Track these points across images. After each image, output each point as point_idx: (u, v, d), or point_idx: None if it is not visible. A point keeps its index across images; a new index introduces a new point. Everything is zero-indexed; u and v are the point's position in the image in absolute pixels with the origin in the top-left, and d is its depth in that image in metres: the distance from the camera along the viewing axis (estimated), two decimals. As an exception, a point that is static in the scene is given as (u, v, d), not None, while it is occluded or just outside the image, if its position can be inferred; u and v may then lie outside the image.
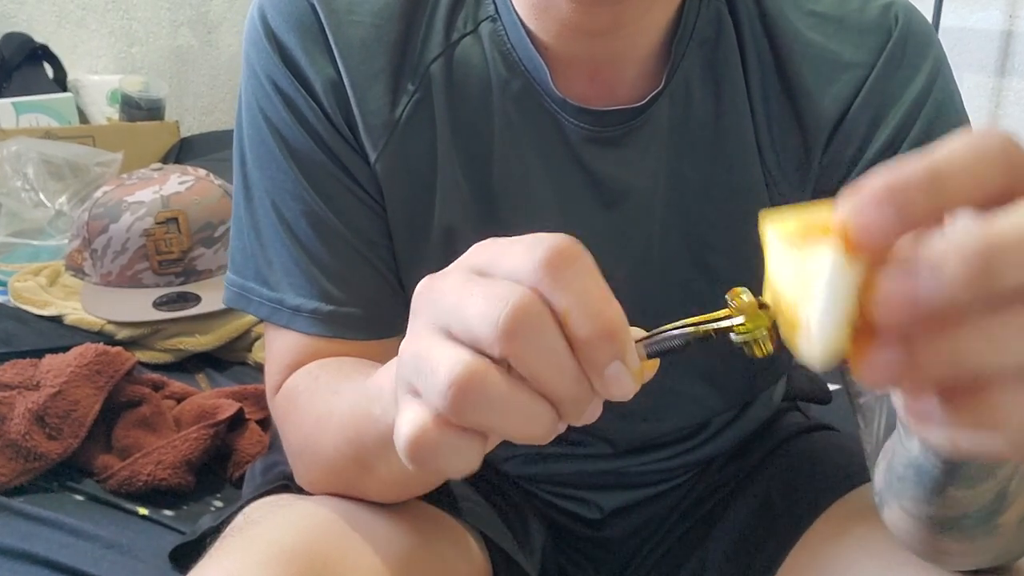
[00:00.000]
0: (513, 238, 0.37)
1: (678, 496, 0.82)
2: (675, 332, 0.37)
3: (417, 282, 0.70)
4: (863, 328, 0.30)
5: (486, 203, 0.68)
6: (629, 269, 0.69)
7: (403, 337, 0.77)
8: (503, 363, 0.35)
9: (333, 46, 0.65)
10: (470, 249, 0.39)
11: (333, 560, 0.58)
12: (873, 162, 0.65)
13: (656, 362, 0.38)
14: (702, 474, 0.82)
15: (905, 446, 0.52)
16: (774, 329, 0.35)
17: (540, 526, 0.79)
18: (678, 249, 0.69)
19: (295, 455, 0.67)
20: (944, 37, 0.70)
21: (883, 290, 0.28)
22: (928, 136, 0.65)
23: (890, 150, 0.65)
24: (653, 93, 0.65)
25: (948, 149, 0.29)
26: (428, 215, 0.68)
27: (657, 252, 0.69)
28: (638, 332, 0.38)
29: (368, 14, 0.65)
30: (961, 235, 0.27)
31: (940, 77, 0.66)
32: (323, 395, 0.63)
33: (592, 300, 0.35)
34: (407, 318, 0.78)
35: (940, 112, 0.66)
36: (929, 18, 1.82)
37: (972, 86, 2.05)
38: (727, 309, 0.36)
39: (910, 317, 0.28)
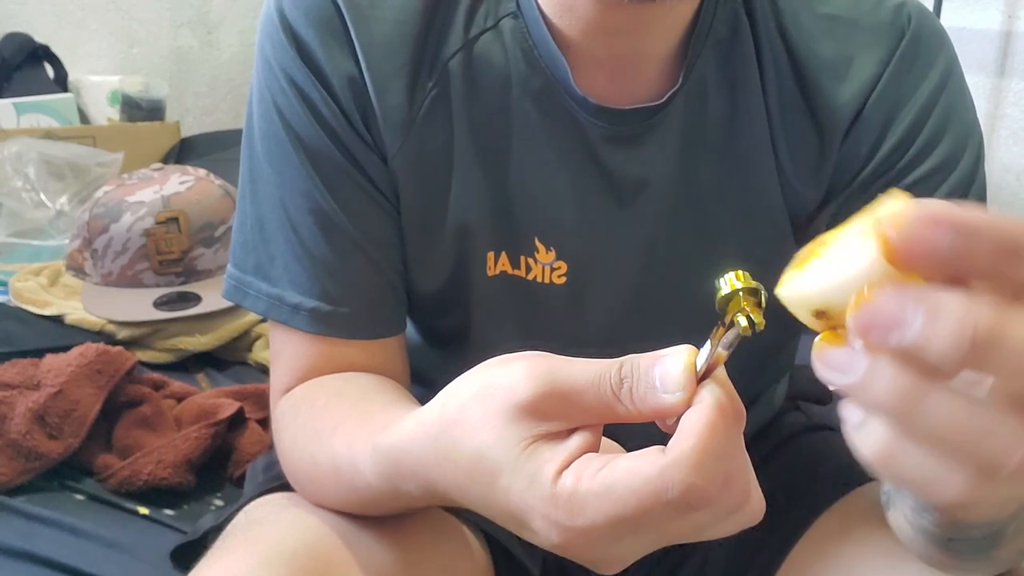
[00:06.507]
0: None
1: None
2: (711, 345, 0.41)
3: (427, 279, 0.70)
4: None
5: (502, 200, 0.68)
6: (642, 265, 0.69)
7: (402, 337, 0.76)
8: None
9: (355, 42, 0.64)
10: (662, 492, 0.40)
11: (335, 559, 0.58)
12: (886, 160, 0.66)
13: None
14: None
15: None
16: (757, 304, 0.38)
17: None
18: (690, 246, 0.69)
19: (293, 476, 0.67)
20: (943, 37, 0.71)
21: (872, 310, 0.28)
22: (939, 135, 0.66)
23: (902, 148, 0.66)
24: (670, 92, 0.65)
25: None
26: (443, 211, 0.68)
27: (670, 249, 0.69)
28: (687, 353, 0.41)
29: (390, 9, 0.65)
30: (975, 309, 0.27)
31: (952, 77, 0.67)
32: (327, 443, 0.61)
33: None
34: (406, 319, 0.77)
35: (951, 111, 0.66)
36: (929, 19, 1.81)
37: (971, 86, 2.04)
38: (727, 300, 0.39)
39: (877, 346, 0.29)
